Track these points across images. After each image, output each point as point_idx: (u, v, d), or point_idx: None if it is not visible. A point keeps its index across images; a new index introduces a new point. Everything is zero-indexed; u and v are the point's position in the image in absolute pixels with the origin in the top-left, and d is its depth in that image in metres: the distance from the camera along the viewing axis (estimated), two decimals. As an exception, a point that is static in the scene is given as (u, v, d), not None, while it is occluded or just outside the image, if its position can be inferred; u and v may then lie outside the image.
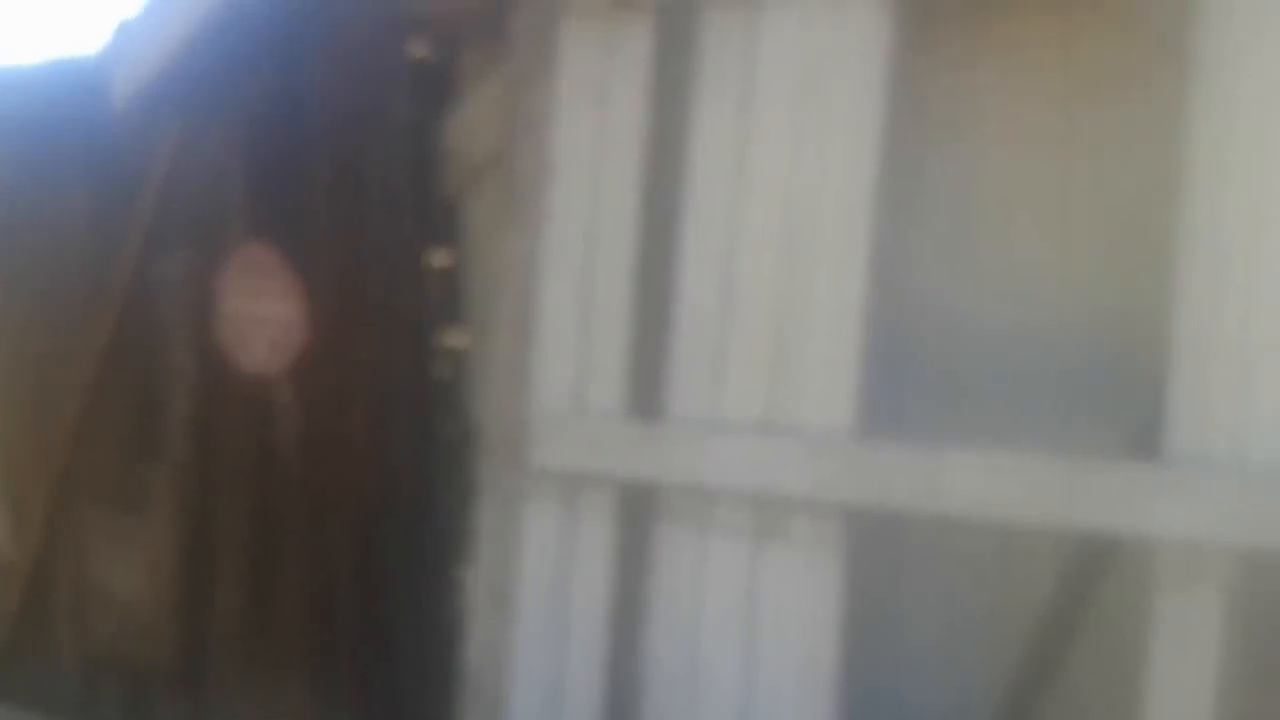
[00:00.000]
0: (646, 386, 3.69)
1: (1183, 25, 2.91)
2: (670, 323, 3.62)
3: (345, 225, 4.62)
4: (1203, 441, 2.81)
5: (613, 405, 3.72)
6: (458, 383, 4.54)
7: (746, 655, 3.41)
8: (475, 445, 4.18)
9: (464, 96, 4.48)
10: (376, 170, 4.56)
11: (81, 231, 5.42)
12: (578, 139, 3.83)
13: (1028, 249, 3.45)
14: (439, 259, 4.63)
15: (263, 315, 4.74)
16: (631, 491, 3.68)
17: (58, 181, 5.44)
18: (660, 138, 3.70)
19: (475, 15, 4.27)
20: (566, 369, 3.82)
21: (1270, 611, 2.73)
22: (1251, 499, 2.73)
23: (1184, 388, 2.84)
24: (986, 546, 3.36)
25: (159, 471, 5.29)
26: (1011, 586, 3.42)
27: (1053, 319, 3.39)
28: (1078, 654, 3.28)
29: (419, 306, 4.55)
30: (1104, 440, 3.10)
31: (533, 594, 3.84)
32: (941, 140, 3.56)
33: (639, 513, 3.67)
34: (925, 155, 3.53)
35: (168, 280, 5.13)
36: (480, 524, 3.97)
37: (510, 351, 3.96)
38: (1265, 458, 2.75)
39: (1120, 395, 3.20)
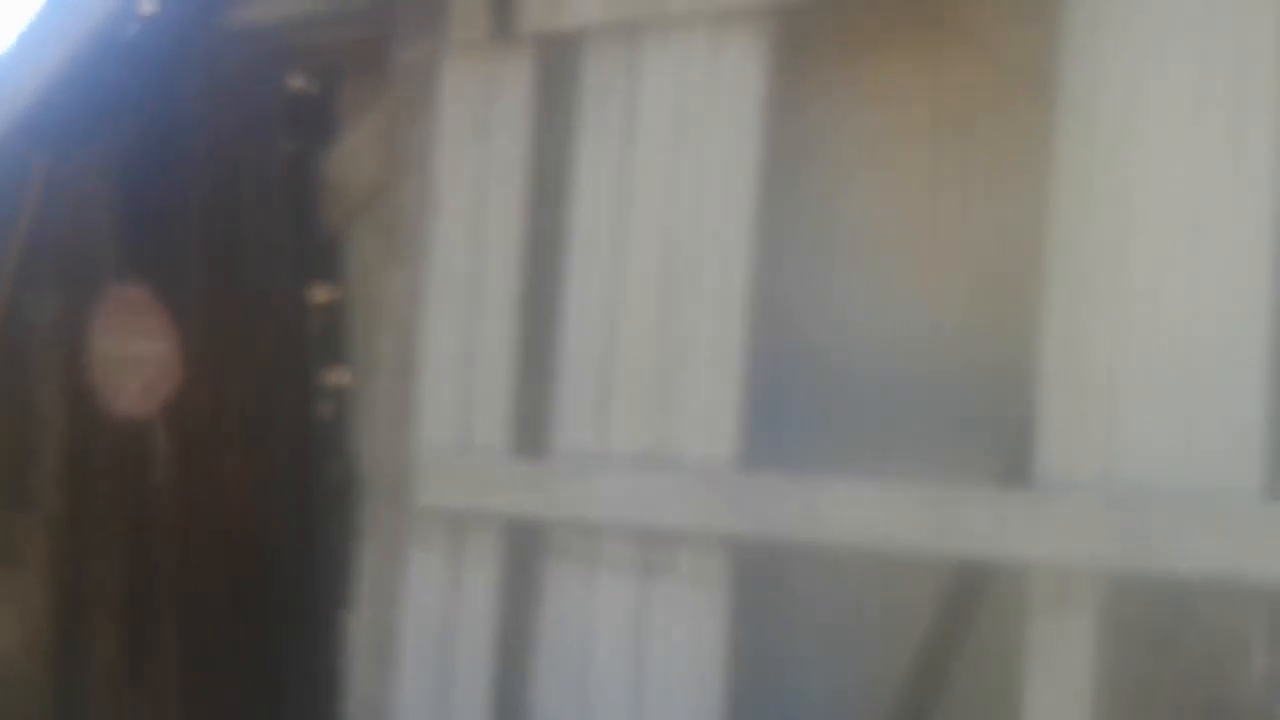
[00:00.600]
0: (532, 423, 3.66)
1: (1047, 58, 2.97)
2: (555, 358, 3.60)
3: (222, 262, 4.53)
4: (1071, 467, 2.84)
5: (498, 442, 3.69)
6: (339, 422, 4.47)
7: (635, 691, 3.38)
8: (358, 486, 4.10)
9: (344, 129, 4.44)
10: (254, 205, 4.49)
11: (-53, 272, 5.25)
12: (460, 173, 3.81)
13: (903, 280, 3.49)
14: (319, 295, 4.56)
15: (136, 357, 4.62)
16: (517, 529, 3.64)
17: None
18: (543, 172, 3.70)
19: (355, 47, 4.24)
20: (450, 406, 3.78)
21: (1140, 633, 2.76)
22: (1118, 523, 2.77)
23: (1052, 415, 2.88)
24: (868, 574, 3.37)
25: (30, 521, 5.11)
26: (893, 613, 3.44)
27: (928, 349, 3.43)
28: (959, 679, 3.29)
29: (299, 344, 4.48)
30: (977, 467, 3.13)
31: (416, 638, 3.77)
32: (817, 174, 3.59)
33: (525, 551, 3.63)
34: (802, 189, 3.56)
35: (37, 322, 4.98)
36: (362, 567, 3.89)
37: (393, 389, 3.90)
38: (1131, 482, 2.78)
39: (992, 423, 3.24)
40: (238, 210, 4.52)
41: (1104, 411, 2.81)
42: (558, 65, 3.68)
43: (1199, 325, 2.75)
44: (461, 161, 3.80)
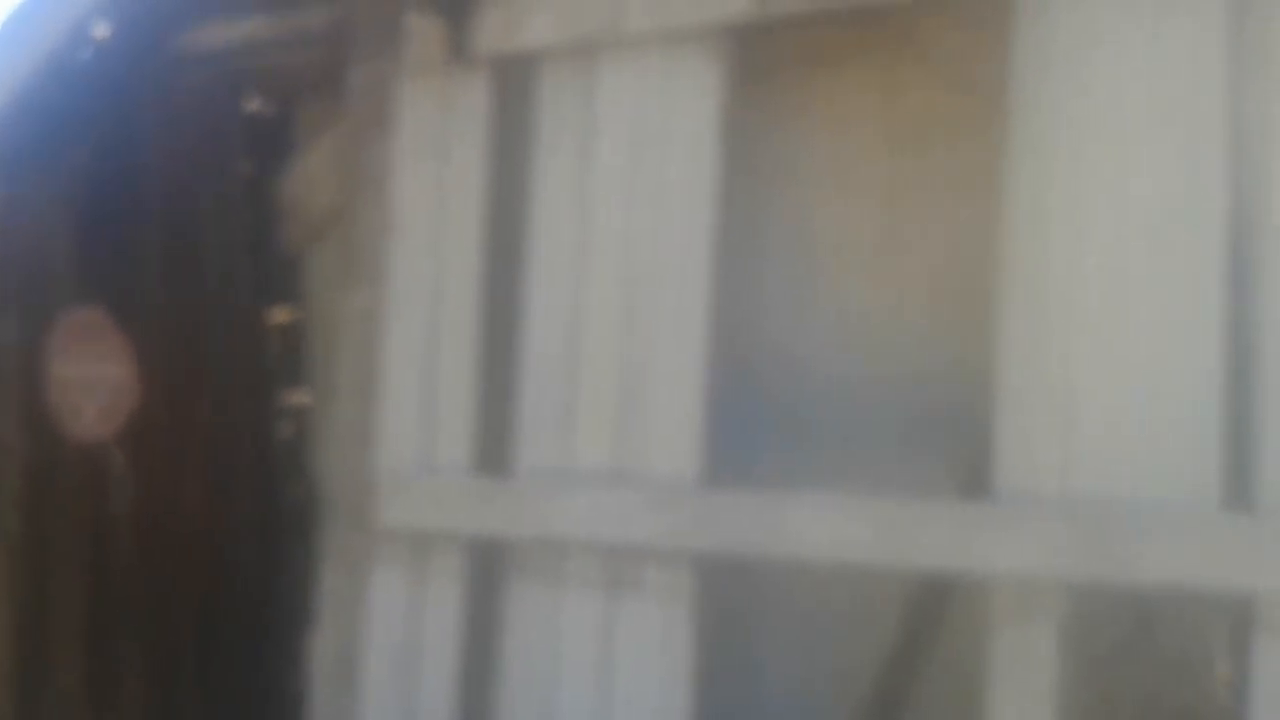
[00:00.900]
0: (494, 441, 3.66)
1: (1001, 77, 3.00)
2: (517, 376, 3.60)
3: (180, 284, 4.51)
4: (1030, 480, 2.87)
5: (460, 461, 3.68)
6: (300, 443, 4.45)
7: (601, 707, 3.38)
8: (319, 507, 4.09)
9: (302, 151, 4.43)
10: (212, 227, 4.47)
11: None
12: (419, 193, 3.81)
13: (861, 296, 3.52)
14: (279, 316, 4.54)
15: (95, 381, 4.59)
16: (481, 548, 3.63)
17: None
18: (501, 192, 3.71)
19: (311, 69, 4.23)
20: (412, 426, 3.77)
21: (1102, 643, 2.78)
22: (1077, 533, 2.80)
23: (1010, 428, 2.90)
24: (833, 588, 3.39)
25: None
26: (858, 627, 3.45)
27: (887, 364, 3.46)
28: (924, 690, 3.31)
29: (258, 366, 4.46)
30: (939, 481, 3.15)
31: (379, 660, 3.75)
32: (776, 191, 3.62)
33: (489, 570, 3.62)
34: (761, 206, 3.58)
35: (-5, 346, 4.93)
36: (324, 589, 3.88)
37: (353, 410, 3.89)
38: (1088, 493, 2.82)
39: (952, 437, 3.26)
40: (195, 233, 4.50)
41: (1062, 425, 2.84)
42: (514, 86, 3.69)
43: (1155, 338, 2.79)
44: (419, 182, 3.81)
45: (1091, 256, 2.86)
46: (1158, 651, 2.72)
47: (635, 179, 3.47)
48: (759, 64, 3.44)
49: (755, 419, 3.56)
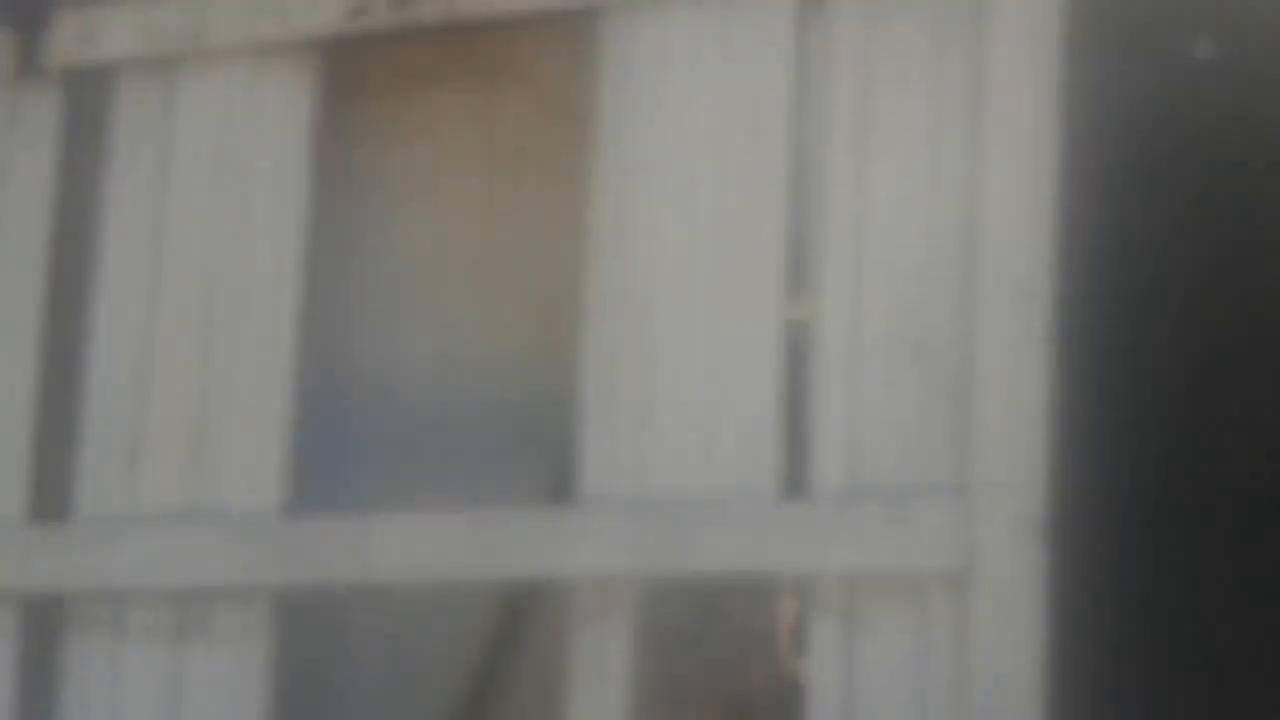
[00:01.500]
0: (51, 486, 3.38)
1: (588, 95, 3.05)
2: (80, 415, 3.34)
3: None
4: (609, 483, 2.93)
5: (11, 511, 3.38)
6: None
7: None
8: None
9: None
10: None
11: None
12: (-27, 215, 3.50)
13: (454, 317, 3.52)
14: None
15: None
16: (35, 606, 3.32)
17: None
18: (69, 215, 3.49)
19: None
20: (-43, 474, 3.39)
21: (672, 633, 2.85)
22: (648, 530, 2.88)
23: (593, 435, 2.96)
24: (423, 607, 3.33)
25: None
26: (448, 641, 3.40)
27: (482, 384, 3.49)
28: (513, 697, 3.30)
29: None
30: (527, 491, 3.20)
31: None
32: (369, 213, 3.56)
33: (43, 628, 3.31)
34: (353, 228, 3.51)
35: None
36: None
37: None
38: (660, 492, 2.91)
39: (545, 450, 3.31)
40: None
41: (638, 429, 2.93)
42: (88, 100, 3.50)
43: (720, 344, 2.91)
44: (-24, 202, 3.50)
45: (665, 269, 2.96)
46: (730, 637, 2.79)
47: (218, 197, 3.34)
48: (354, 82, 3.39)
49: (347, 445, 3.46)
